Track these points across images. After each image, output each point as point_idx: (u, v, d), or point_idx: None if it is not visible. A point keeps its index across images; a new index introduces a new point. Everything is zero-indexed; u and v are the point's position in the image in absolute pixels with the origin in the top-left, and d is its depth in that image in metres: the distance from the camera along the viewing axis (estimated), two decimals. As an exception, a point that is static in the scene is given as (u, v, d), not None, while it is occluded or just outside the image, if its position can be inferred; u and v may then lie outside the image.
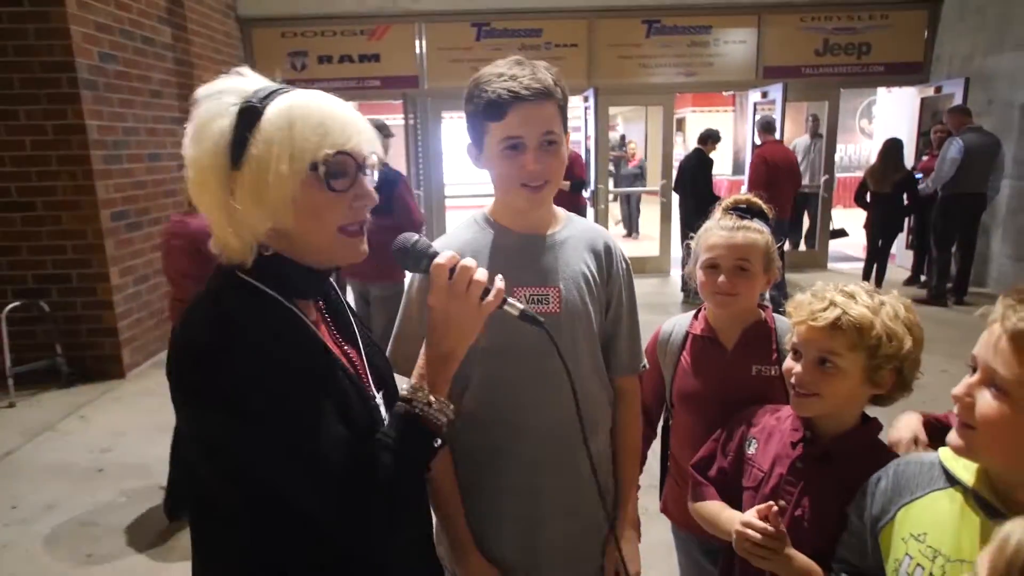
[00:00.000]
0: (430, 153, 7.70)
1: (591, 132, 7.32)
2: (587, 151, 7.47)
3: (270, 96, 0.82)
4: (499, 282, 0.91)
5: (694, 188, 6.21)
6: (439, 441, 0.88)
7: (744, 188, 6.33)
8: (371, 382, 0.96)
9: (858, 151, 14.13)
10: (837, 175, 8.87)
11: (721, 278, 1.34)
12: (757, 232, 1.35)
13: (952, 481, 0.92)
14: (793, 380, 1.14)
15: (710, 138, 6.26)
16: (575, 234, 1.28)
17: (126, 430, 3.77)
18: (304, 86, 0.88)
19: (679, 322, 1.50)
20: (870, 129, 13.46)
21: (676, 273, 7.75)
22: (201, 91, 0.84)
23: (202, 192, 0.83)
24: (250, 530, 0.84)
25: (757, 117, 7.09)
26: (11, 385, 4.16)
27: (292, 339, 0.83)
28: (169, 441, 2.47)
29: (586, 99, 7.41)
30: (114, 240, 4.57)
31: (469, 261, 0.89)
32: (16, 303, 4.27)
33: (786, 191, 5.65)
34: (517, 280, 1.20)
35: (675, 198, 6.82)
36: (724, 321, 1.41)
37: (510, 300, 0.92)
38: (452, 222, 6.05)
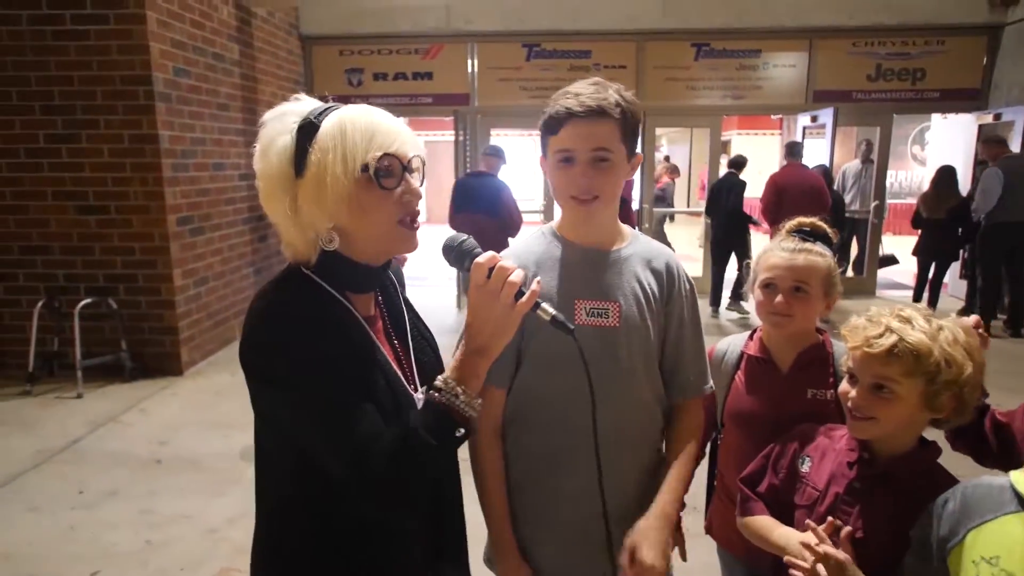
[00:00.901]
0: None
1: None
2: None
3: (324, 112, 0.94)
4: (534, 285, 0.94)
5: (728, 209, 6.38)
6: (462, 431, 0.92)
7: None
8: (414, 377, 1.04)
9: (909, 177, 13.75)
10: (888, 201, 8.66)
11: (778, 298, 1.35)
12: (819, 255, 1.35)
13: None
14: (849, 404, 1.15)
15: (741, 163, 6.67)
16: (638, 252, 1.30)
17: (182, 425, 3.94)
18: (359, 102, 0.98)
19: (734, 342, 1.51)
20: (922, 156, 13.09)
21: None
22: (267, 115, 0.95)
23: (271, 201, 0.95)
24: (291, 487, 0.97)
25: (804, 141, 7.02)
26: (80, 377, 4.39)
27: (336, 331, 0.93)
28: (221, 437, 2.56)
29: (633, 120, 7.43)
30: (178, 244, 4.79)
31: (508, 263, 0.93)
32: (88, 300, 4.52)
33: (805, 215, 5.56)
34: (578, 293, 1.24)
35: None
36: (779, 343, 1.41)
37: (543, 305, 0.95)
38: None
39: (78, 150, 4.56)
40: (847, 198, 7.72)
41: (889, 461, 1.14)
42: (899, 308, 1.15)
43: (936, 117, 8.73)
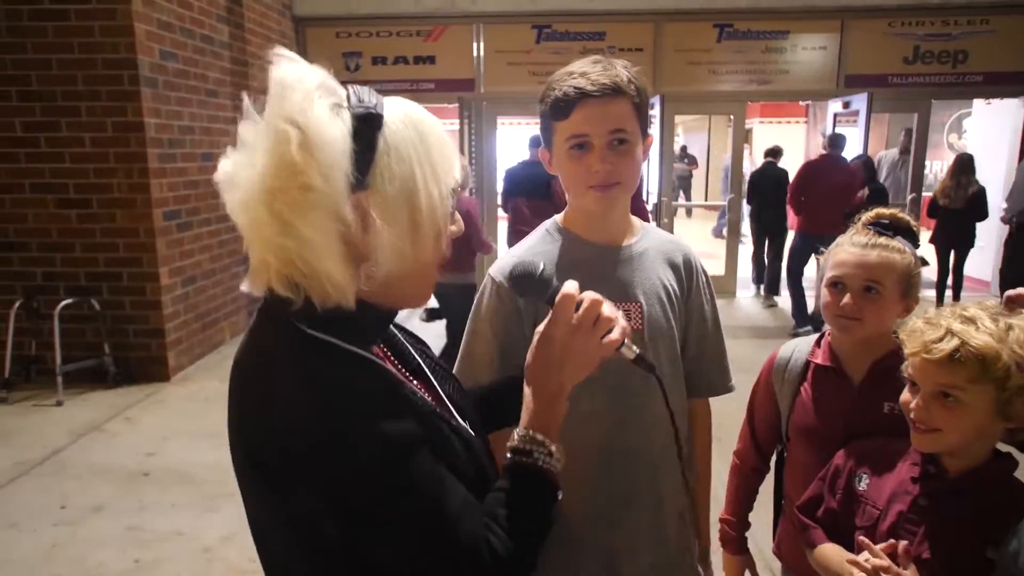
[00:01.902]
0: (484, 159, 7.79)
1: (656, 141, 7.29)
2: (647, 161, 7.45)
3: (379, 100, 0.77)
4: (622, 320, 0.88)
5: (767, 198, 6.97)
6: (560, 494, 0.83)
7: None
8: (455, 413, 0.90)
9: (945, 168, 13.67)
10: (923, 194, 8.62)
11: (846, 298, 1.28)
12: (896, 251, 1.28)
13: None
14: (912, 415, 1.11)
15: (779, 152, 7.33)
16: (653, 245, 1.27)
17: (170, 435, 3.90)
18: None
19: (799, 348, 1.45)
20: (960, 144, 13.00)
21: (743, 295, 7.63)
22: (289, 82, 0.72)
23: (309, 212, 0.70)
24: None
25: (834, 129, 6.97)
26: (60, 383, 4.35)
27: (394, 405, 0.75)
28: (212, 448, 2.53)
29: (651, 107, 7.39)
30: (165, 240, 4.76)
31: (594, 294, 0.87)
32: (68, 300, 4.49)
33: (829, 206, 5.66)
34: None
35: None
36: (850, 350, 1.34)
37: (626, 341, 0.90)
38: (504, 229, 6.10)
39: (57, 139, 4.53)
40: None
41: (960, 475, 1.10)
42: (963, 307, 1.10)
43: (978, 103, 8.65)
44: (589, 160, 1.13)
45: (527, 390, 0.87)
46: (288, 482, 0.73)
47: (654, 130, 7.36)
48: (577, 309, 0.85)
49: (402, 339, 0.94)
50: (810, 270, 6.03)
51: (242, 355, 0.81)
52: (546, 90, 1.17)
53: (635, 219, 1.30)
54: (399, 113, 0.77)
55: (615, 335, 0.86)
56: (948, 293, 6.53)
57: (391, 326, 0.92)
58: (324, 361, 0.74)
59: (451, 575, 0.74)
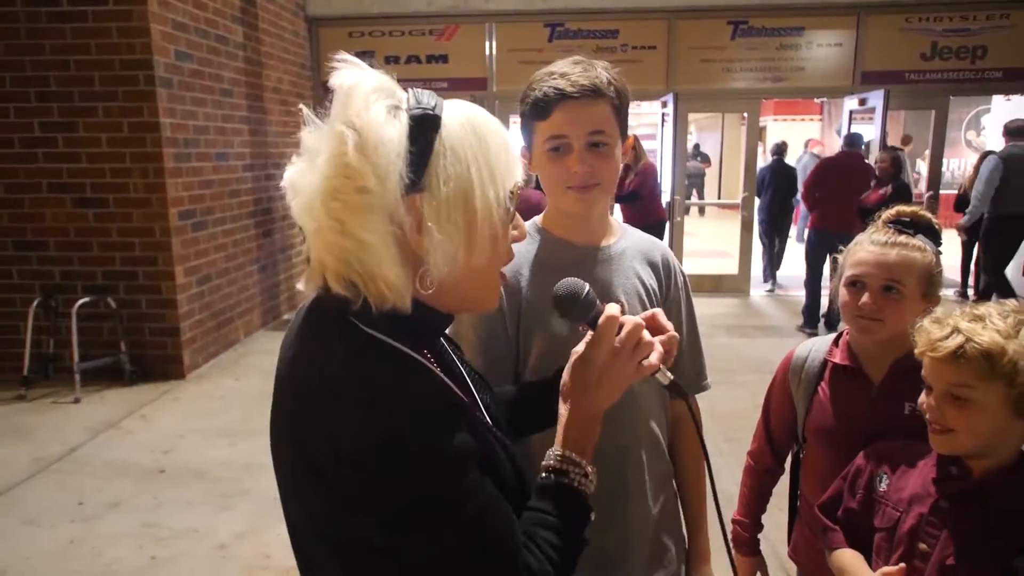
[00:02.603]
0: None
1: (668, 140, 7.26)
2: (661, 159, 7.42)
3: (438, 103, 0.76)
4: (659, 346, 0.89)
5: (772, 194, 7.39)
6: (593, 516, 0.84)
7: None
8: (492, 424, 0.90)
9: (963, 166, 13.49)
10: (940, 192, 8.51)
11: (865, 298, 1.26)
12: (917, 250, 1.26)
13: None
14: (928, 416, 1.10)
15: (783, 149, 7.90)
16: (632, 245, 1.28)
17: (185, 432, 3.93)
18: None
19: (816, 347, 1.43)
20: (979, 142, 12.83)
21: (756, 293, 7.58)
22: (350, 85, 0.73)
23: (365, 217, 0.71)
24: None
25: (850, 127, 6.91)
26: (77, 381, 4.40)
27: (450, 415, 0.75)
28: (227, 445, 2.53)
29: (664, 104, 7.36)
30: (180, 239, 4.80)
31: (636, 319, 0.88)
32: (85, 299, 4.54)
33: (841, 202, 5.69)
34: None
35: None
36: (870, 350, 1.32)
37: (662, 367, 0.90)
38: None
39: (75, 139, 4.58)
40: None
41: (983, 477, 1.08)
42: (974, 306, 1.09)
43: (997, 99, 8.54)
44: (568, 161, 1.14)
45: (563, 409, 0.86)
46: (340, 482, 0.72)
47: (667, 127, 7.34)
48: (619, 332, 0.85)
49: (446, 345, 0.93)
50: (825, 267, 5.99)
51: (297, 350, 0.80)
52: (527, 90, 1.17)
53: (614, 220, 1.31)
54: (458, 115, 0.77)
55: (653, 360, 0.87)
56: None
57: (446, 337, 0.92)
58: (384, 364, 0.74)
59: None
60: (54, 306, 4.59)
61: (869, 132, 6.94)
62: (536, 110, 1.14)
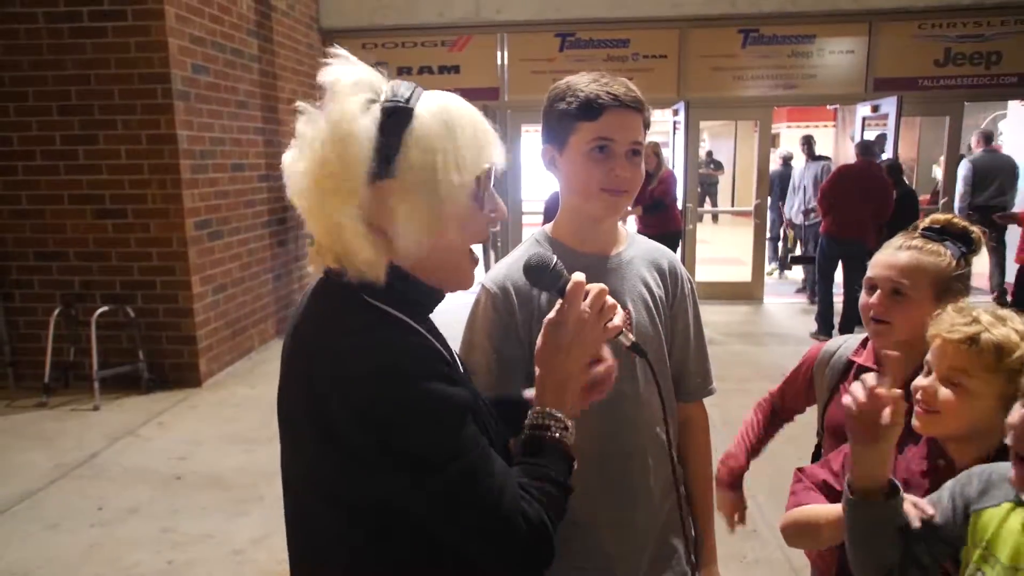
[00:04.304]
0: (509, 168, 7.82)
1: (680, 147, 7.28)
2: (673, 167, 7.43)
3: (413, 95, 0.82)
4: (620, 310, 0.96)
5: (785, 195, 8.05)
6: (575, 465, 0.90)
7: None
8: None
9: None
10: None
11: (873, 299, 1.27)
12: (931, 254, 1.25)
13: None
14: (918, 395, 1.11)
15: (789, 157, 8.82)
16: (639, 254, 1.32)
17: (202, 440, 4.00)
18: None
19: (845, 345, 1.45)
20: (994, 148, 12.70)
21: (770, 301, 7.56)
22: (333, 80, 0.81)
23: (333, 198, 0.79)
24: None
25: (863, 134, 6.89)
26: (97, 389, 4.49)
27: (449, 372, 0.82)
28: (243, 452, 2.58)
29: (676, 113, 7.39)
30: (197, 249, 4.89)
31: (600, 284, 0.94)
32: (104, 308, 4.64)
33: (857, 210, 5.67)
34: None
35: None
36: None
37: (624, 329, 0.97)
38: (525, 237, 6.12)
39: (95, 152, 4.70)
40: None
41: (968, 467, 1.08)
42: (1001, 309, 1.11)
43: (1013, 104, 8.48)
44: (611, 164, 1.18)
45: (539, 373, 0.93)
46: (351, 436, 0.78)
47: (679, 135, 7.37)
48: (585, 298, 0.91)
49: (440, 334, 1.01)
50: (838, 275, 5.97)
51: (304, 321, 0.88)
52: (566, 91, 1.20)
53: (622, 228, 1.35)
54: (431, 106, 0.83)
55: (616, 321, 0.94)
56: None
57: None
58: (387, 328, 0.82)
59: (488, 538, 0.80)
60: (74, 315, 4.70)
61: (883, 140, 6.92)
62: (586, 110, 1.17)
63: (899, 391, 1.01)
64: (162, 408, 4.49)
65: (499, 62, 7.49)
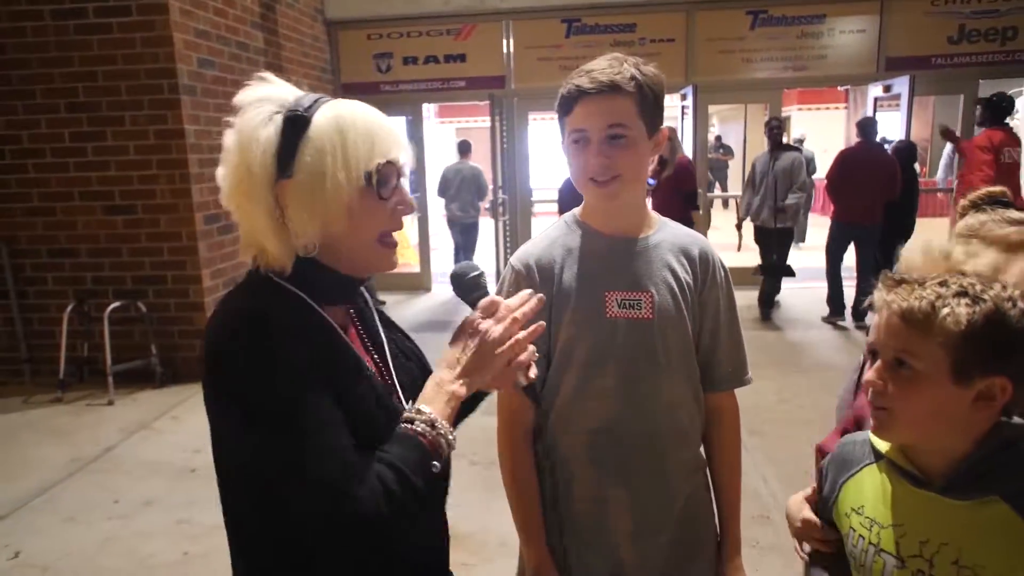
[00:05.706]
0: (516, 156, 7.80)
1: (689, 132, 7.22)
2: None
3: (313, 105, 0.91)
4: (532, 348, 1.00)
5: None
6: (438, 465, 0.91)
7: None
8: (399, 392, 1.04)
9: (996, 151, 13.17)
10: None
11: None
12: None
13: (879, 455, 1.01)
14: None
15: (800, 140, 8.53)
16: (669, 239, 1.30)
17: (216, 432, 4.03)
18: (390, 88, 0.95)
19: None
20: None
21: (786, 286, 7.47)
22: (241, 98, 0.92)
23: (248, 200, 0.90)
24: (259, 524, 0.94)
25: (875, 114, 6.79)
26: (111, 384, 4.54)
27: (317, 344, 0.90)
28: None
29: (684, 97, 7.32)
30: (207, 243, 4.91)
31: (514, 315, 0.99)
32: (117, 303, 4.67)
33: (869, 196, 5.62)
34: (608, 284, 1.25)
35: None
36: None
37: (524, 371, 1.00)
38: (538, 228, 6.09)
39: (104, 148, 4.72)
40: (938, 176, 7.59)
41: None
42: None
43: (1029, 82, 8.35)
44: (587, 154, 1.19)
45: (434, 368, 1.00)
46: (215, 383, 0.89)
47: (687, 120, 7.30)
48: (495, 319, 0.98)
49: (378, 322, 1.10)
50: (849, 258, 5.91)
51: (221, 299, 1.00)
52: (560, 88, 1.23)
53: (654, 213, 1.34)
54: (328, 112, 0.91)
55: (522, 359, 0.98)
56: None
57: (377, 312, 1.10)
58: (277, 295, 0.91)
59: (313, 504, 0.84)
60: (87, 311, 4.74)
61: (895, 119, 6.81)
62: (563, 107, 1.21)
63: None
64: (176, 402, 4.53)
65: (505, 50, 7.44)
